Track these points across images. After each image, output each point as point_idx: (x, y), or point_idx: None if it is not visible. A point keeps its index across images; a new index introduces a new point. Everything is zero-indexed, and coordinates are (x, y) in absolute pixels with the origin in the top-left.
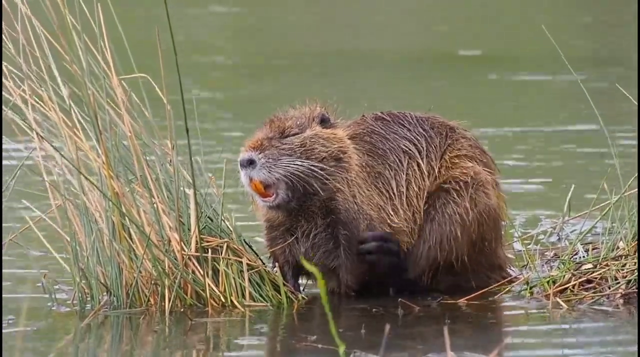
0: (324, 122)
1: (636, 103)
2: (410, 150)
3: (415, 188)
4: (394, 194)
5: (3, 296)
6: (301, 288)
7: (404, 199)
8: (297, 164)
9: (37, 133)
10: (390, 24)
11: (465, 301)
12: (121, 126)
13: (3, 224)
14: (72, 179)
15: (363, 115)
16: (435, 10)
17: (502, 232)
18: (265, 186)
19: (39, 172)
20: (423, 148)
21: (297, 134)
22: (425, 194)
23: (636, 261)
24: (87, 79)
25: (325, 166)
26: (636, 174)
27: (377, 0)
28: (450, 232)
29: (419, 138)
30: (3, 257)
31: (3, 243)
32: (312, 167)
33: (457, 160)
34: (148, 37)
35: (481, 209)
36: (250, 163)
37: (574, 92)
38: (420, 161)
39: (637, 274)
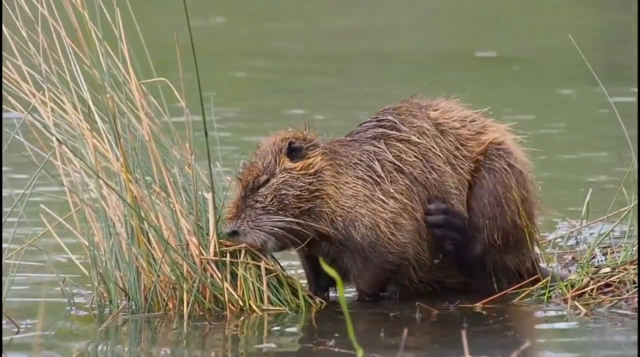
0: (293, 151)
1: None
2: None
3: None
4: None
5: (22, 300)
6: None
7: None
8: (274, 221)
9: (56, 137)
10: (407, 26)
11: (483, 305)
12: (140, 130)
13: (21, 229)
14: (91, 183)
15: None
16: (450, 12)
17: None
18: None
19: (57, 176)
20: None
21: (267, 180)
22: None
23: None
24: (107, 83)
25: (299, 215)
26: None
27: (392, 3)
28: (503, 190)
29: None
30: (22, 262)
31: (21, 247)
32: (289, 224)
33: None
34: (168, 38)
35: (526, 172)
36: (235, 234)
37: (590, 93)
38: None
39: (637, 277)
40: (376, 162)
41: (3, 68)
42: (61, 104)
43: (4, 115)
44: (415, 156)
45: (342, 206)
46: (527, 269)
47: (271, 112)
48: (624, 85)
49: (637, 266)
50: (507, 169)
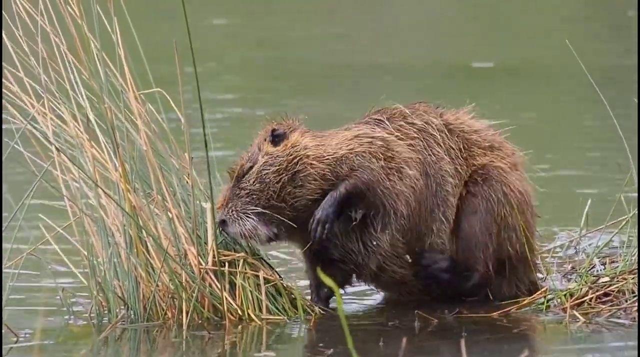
0: (275, 138)
1: None
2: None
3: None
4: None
5: (21, 309)
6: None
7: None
8: (255, 203)
9: (55, 147)
10: (402, 37)
11: (482, 314)
12: (138, 139)
13: (20, 237)
14: (89, 192)
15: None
16: (448, 22)
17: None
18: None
19: (57, 185)
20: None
21: (251, 167)
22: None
23: None
24: (105, 93)
25: (281, 189)
26: None
27: (389, 13)
28: (499, 208)
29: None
30: (21, 271)
31: (21, 257)
32: (269, 200)
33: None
34: (166, 46)
35: (518, 190)
36: (223, 223)
37: (589, 102)
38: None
39: (637, 286)
40: (375, 129)
41: (3, 79)
42: (60, 113)
43: (4, 126)
44: (416, 135)
45: (328, 154)
46: (527, 289)
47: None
48: (625, 94)
49: (636, 275)
50: (501, 198)
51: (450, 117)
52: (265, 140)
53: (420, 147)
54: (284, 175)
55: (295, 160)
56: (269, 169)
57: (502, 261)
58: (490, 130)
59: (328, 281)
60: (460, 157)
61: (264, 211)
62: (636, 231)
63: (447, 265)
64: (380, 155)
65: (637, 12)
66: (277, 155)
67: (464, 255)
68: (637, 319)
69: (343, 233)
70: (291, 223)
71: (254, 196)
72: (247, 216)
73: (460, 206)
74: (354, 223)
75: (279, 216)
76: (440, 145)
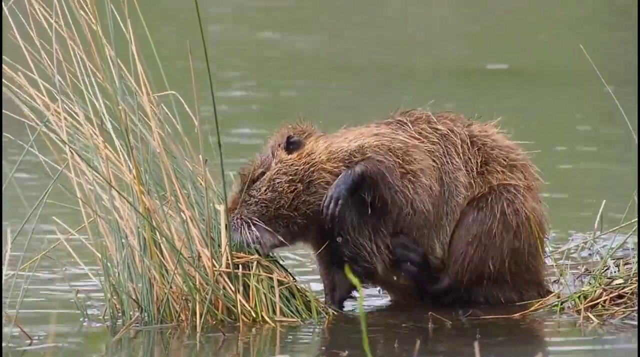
0: (290, 145)
1: None
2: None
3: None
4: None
5: (35, 311)
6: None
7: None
8: (262, 211)
9: (70, 148)
10: (417, 40)
11: (496, 316)
12: (151, 142)
13: (34, 239)
14: (104, 194)
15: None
16: (462, 24)
17: (544, 247)
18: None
19: (71, 187)
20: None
21: (262, 174)
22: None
23: None
24: (120, 96)
25: (294, 199)
26: None
27: (403, 17)
28: (490, 231)
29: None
30: (35, 273)
31: (34, 259)
32: (277, 211)
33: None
34: (179, 50)
35: (525, 213)
36: (226, 228)
37: (603, 105)
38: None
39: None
40: (398, 132)
41: (15, 79)
42: (75, 115)
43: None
44: (437, 140)
45: (344, 150)
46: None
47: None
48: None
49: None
50: (497, 215)
51: (476, 129)
52: (279, 145)
53: (440, 153)
54: (299, 185)
55: (312, 170)
56: (282, 178)
57: (483, 273)
58: (518, 150)
59: (351, 277)
60: (476, 170)
61: (270, 221)
62: None
63: (418, 260)
64: (399, 155)
65: (637, 12)
66: (292, 164)
67: (447, 259)
68: (637, 319)
69: (356, 228)
70: (299, 230)
71: (263, 205)
72: (252, 225)
73: (461, 212)
74: (366, 213)
75: (287, 224)
76: (460, 156)
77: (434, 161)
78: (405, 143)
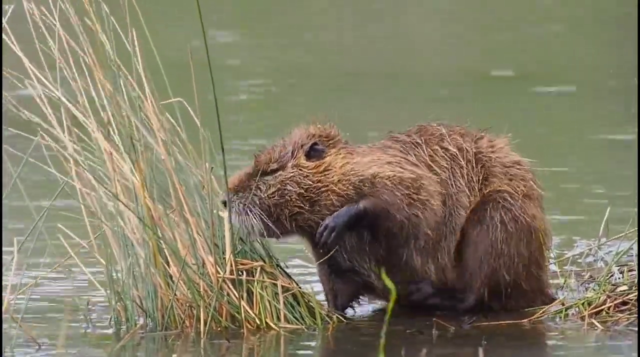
0: (313, 151)
1: None
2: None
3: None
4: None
5: (40, 316)
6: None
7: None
8: (263, 218)
9: (74, 158)
10: (421, 45)
11: (500, 322)
12: (156, 148)
13: (40, 245)
14: (109, 202)
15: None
16: (466, 30)
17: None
18: None
19: (75, 193)
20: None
21: (276, 170)
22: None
23: None
24: (124, 103)
25: (297, 213)
26: None
27: (407, 21)
28: (495, 241)
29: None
30: (41, 280)
31: (53, 268)
32: (276, 225)
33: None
34: (181, 56)
35: (531, 221)
36: (225, 205)
37: (610, 110)
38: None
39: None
40: (411, 154)
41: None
42: (82, 124)
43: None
44: (446, 164)
45: (355, 173)
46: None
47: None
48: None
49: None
50: (506, 224)
51: (484, 144)
52: (302, 147)
53: (446, 176)
54: (306, 203)
55: (322, 190)
56: (294, 188)
57: (500, 283)
58: (525, 165)
59: (388, 282)
60: (476, 189)
61: (267, 221)
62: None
63: (431, 290)
64: (409, 185)
65: (638, 12)
66: (306, 176)
67: (461, 278)
68: (637, 324)
69: (355, 248)
70: (295, 233)
71: (265, 205)
72: (250, 217)
73: (463, 230)
74: (365, 243)
75: (278, 230)
76: (464, 177)
77: (441, 187)
78: (417, 175)
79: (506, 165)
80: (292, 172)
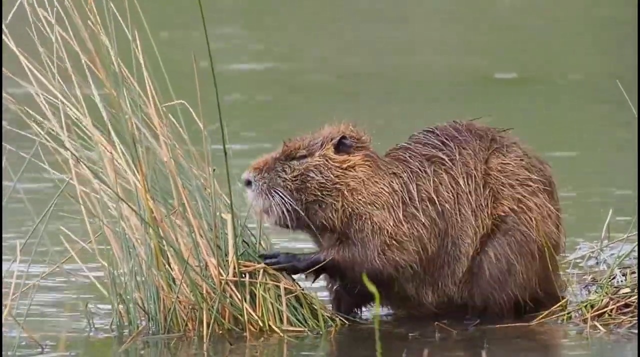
0: (341, 146)
1: None
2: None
3: (446, 193)
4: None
5: (43, 319)
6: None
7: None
8: (285, 199)
9: (76, 157)
10: (425, 47)
11: (503, 325)
12: (159, 151)
13: (43, 247)
14: (110, 203)
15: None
16: (470, 33)
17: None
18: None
19: (76, 195)
20: (454, 153)
21: (303, 157)
22: (472, 199)
23: None
24: (128, 108)
25: (312, 202)
26: None
27: (411, 23)
28: (508, 263)
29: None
30: (43, 282)
31: (52, 269)
32: (296, 212)
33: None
34: (184, 59)
35: (542, 241)
36: (248, 183)
37: (613, 112)
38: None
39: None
40: (414, 185)
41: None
42: (80, 124)
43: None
44: (452, 193)
45: (359, 200)
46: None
47: (288, 132)
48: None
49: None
50: (517, 242)
51: (495, 162)
52: (332, 140)
53: (450, 206)
54: (322, 193)
55: (338, 186)
56: (317, 176)
57: (513, 304)
58: (533, 179)
59: (370, 287)
60: (484, 212)
61: (285, 208)
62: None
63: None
64: (403, 221)
65: (638, 12)
66: (330, 167)
67: (480, 298)
68: (638, 326)
69: None
70: (300, 227)
71: (287, 189)
72: (270, 198)
73: (475, 252)
74: None
75: (294, 220)
76: (471, 204)
77: (442, 220)
78: (406, 233)
79: (514, 187)
80: (319, 161)
